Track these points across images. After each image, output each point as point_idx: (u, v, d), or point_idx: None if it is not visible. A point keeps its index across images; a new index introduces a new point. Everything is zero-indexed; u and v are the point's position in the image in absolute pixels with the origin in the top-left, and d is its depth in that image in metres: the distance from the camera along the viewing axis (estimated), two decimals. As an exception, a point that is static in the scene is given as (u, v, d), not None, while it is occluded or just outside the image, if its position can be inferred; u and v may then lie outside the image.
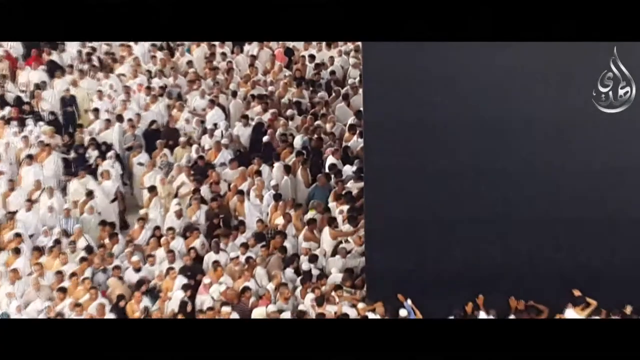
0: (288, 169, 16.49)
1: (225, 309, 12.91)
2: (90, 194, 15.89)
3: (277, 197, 15.69)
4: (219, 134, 17.55)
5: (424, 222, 12.15)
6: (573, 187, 11.31)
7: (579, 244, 11.81)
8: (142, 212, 15.90)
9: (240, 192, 15.88)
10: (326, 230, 14.68)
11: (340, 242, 14.51)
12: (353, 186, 15.71)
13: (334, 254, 14.44)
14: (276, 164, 16.53)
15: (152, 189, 16.17)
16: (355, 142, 17.08)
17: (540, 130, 10.85)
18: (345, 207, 15.09)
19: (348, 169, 16.37)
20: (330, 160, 16.62)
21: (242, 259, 14.30)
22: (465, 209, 12.03)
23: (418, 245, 12.30)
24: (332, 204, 15.46)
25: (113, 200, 16.37)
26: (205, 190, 16.14)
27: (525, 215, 11.73)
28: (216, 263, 14.24)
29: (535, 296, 12.24)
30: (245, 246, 14.59)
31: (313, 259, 14.18)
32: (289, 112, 18.24)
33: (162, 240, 14.84)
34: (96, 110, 18.49)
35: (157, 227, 15.26)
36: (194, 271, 14.33)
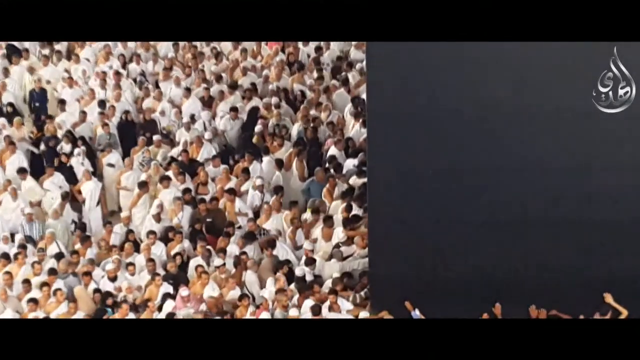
0: (280, 164, 15.31)
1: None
2: (66, 196, 14.90)
3: (278, 189, 14.70)
4: (201, 126, 16.44)
5: (433, 223, 11.62)
6: (583, 188, 11.20)
7: (595, 247, 11.48)
8: (123, 214, 14.83)
9: (230, 191, 14.71)
10: (318, 231, 13.97)
11: (337, 245, 13.60)
12: (355, 182, 14.81)
13: (329, 257, 13.56)
14: (265, 158, 15.50)
15: (143, 185, 15.02)
16: (358, 133, 16.02)
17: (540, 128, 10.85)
18: (342, 206, 14.29)
19: (350, 163, 15.41)
20: (331, 151, 15.67)
21: (229, 264, 13.32)
22: (479, 210, 11.49)
23: (427, 248, 11.73)
24: (335, 202, 14.50)
25: (98, 203, 15.39)
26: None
27: (541, 216, 11.43)
28: (200, 268, 13.23)
29: (558, 305, 11.62)
30: (224, 252, 13.63)
31: (310, 262, 13.19)
32: (273, 100, 17.11)
33: (142, 246, 13.79)
34: (62, 103, 17.36)
35: (131, 231, 14.19)
36: (177, 280, 13.27)
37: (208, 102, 17.47)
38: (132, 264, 13.56)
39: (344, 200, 14.30)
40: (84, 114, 17.12)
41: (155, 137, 16.35)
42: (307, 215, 14.41)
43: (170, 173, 15.34)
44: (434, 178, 11.28)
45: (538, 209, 11.34)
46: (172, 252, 13.84)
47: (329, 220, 13.88)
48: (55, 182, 15.41)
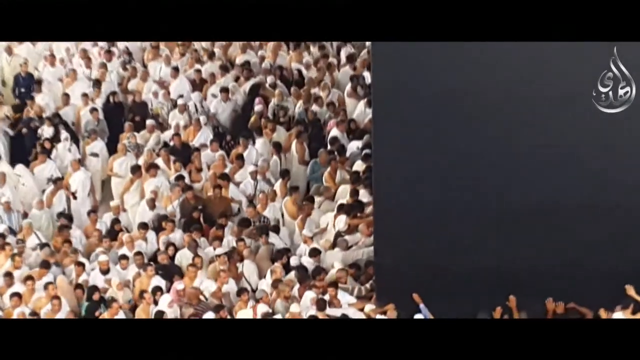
0: (278, 147, 14.66)
1: None
2: (58, 182, 14.25)
3: (284, 173, 14.22)
4: (192, 108, 15.83)
5: (443, 210, 11.21)
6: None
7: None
8: (113, 203, 14.20)
9: (224, 177, 14.12)
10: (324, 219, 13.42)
11: (340, 234, 13.01)
12: (359, 166, 14.25)
13: (332, 246, 12.97)
14: (260, 140, 14.79)
15: (136, 169, 14.41)
16: (363, 114, 15.36)
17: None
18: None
19: (353, 145, 14.85)
20: (333, 133, 15.07)
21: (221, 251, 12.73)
22: (493, 196, 11.12)
23: (436, 236, 11.31)
24: (343, 187, 13.87)
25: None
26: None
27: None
28: (198, 258, 12.62)
29: (576, 298, 11.28)
30: (219, 240, 13.05)
31: (314, 253, 12.62)
32: (269, 78, 16.50)
33: (125, 237, 13.18)
34: (38, 83, 16.67)
35: (117, 221, 13.53)
36: (169, 272, 12.64)
37: (200, 85, 16.88)
38: (125, 257, 12.88)
39: (353, 185, 13.72)
40: (66, 96, 16.44)
41: (149, 122, 15.68)
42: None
43: (159, 160, 14.64)
44: (444, 162, 10.94)
45: (552, 196, 11.04)
46: (163, 242, 13.24)
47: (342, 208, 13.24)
48: (45, 170, 14.79)
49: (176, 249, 13.05)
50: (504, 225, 11.18)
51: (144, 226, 13.42)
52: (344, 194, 13.79)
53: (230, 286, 12.35)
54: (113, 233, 13.54)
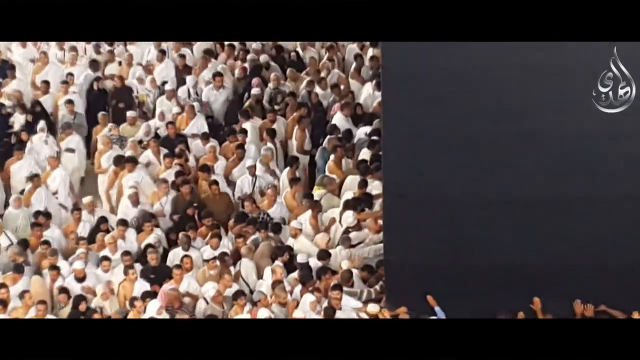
0: (272, 134, 14.02)
1: None
2: (35, 179, 13.47)
3: (293, 160, 13.49)
4: (184, 94, 15.02)
5: (460, 202, 10.77)
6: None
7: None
8: (86, 199, 13.40)
9: (204, 168, 13.48)
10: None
11: (347, 230, 12.28)
12: (366, 154, 13.52)
13: (332, 244, 12.36)
14: (248, 124, 14.00)
15: (119, 161, 13.60)
16: (371, 97, 14.85)
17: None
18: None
19: (361, 132, 14.15)
20: (337, 117, 14.38)
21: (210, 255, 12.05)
22: (514, 188, 10.67)
23: (452, 231, 10.84)
24: (351, 177, 13.12)
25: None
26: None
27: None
28: (187, 259, 11.91)
29: (607, 299, 10.82)
30: (217, 237, 12.30)
31: (324, 255, 11.83)
32: (262, 58, 15.92)
33: (107, 238, 12.42)
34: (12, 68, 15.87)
35: (104, 219, 12.78)
36: (159, 274, 11.91)
37: (185, 71, 16.22)
38: (107, 258, 12.11)
39: (362, 175, 12.99)
40: (46, 84, 15.60)
41: (130, 114, 14.80)
42: (316, 194, 13.06)
43: (148, 153, 13.81)
44: (461, 149, 10.56)
45: (578, 185, 10.67)
46: (145, 242, 12.44)
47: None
48: (24, 169, 13.96)
49: (165, 249, 12.33)
50: (523, 219, 10.70)
51: (123, 223, 12.62)
52: (351, 186, 13.10)
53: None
54: (96, 233, 12.71)
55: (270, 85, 15.20)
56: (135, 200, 12.94)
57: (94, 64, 15.93)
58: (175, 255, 12.12)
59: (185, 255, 11.90)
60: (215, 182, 13.09)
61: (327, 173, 13.41)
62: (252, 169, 13.36)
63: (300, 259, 11.76)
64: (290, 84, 15.51)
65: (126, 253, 12.02)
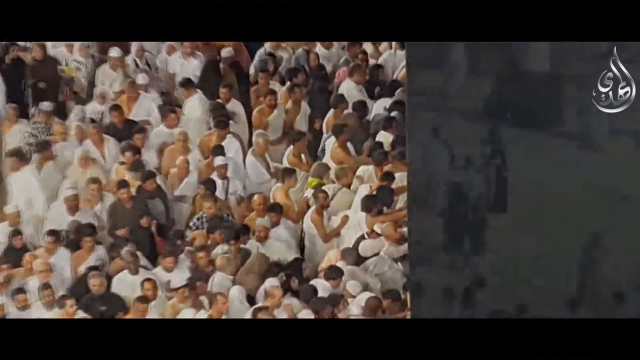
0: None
1: None
2: None
3: (298, 136, 12.14)
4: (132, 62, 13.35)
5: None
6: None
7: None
8: (8, 209, 11.45)
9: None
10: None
11: (360, 239, 10.96)
12: (384, 137, 12.22)
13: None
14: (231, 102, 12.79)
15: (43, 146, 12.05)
16: (393, 59, 13.69)
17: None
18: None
19: (379, 106, 12.90)
20: (345, 86, 13.04)
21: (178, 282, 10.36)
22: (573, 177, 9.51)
23: (491, 238, 9.44)
24: (364, 168, 11.80)
25: None
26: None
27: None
28: (149, 283, 10.15)
29: None
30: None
31: (335, 273, 10.41)
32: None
33: (26, 258, 10.59)
34: None
35: (18, 233, 10.97)
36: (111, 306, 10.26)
37: None
38: (21, 290, 10.15)
39: (378, 164, 11.60)
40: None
41: (45, 105, 12.66)
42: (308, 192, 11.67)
43: (88, 143, 11.95)
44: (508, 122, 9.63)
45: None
46: (87, 264, 10.57)
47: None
48: None
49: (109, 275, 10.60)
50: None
51: (52, 234, 10.74)
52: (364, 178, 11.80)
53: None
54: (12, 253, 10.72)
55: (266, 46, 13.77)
56: (74, 207, 10.96)
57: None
58: (120, 282, 10.20)
59: (148, 279, 10.03)
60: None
61: (328, 159, 11.88)
62: (222, 170, 11.55)
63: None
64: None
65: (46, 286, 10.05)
